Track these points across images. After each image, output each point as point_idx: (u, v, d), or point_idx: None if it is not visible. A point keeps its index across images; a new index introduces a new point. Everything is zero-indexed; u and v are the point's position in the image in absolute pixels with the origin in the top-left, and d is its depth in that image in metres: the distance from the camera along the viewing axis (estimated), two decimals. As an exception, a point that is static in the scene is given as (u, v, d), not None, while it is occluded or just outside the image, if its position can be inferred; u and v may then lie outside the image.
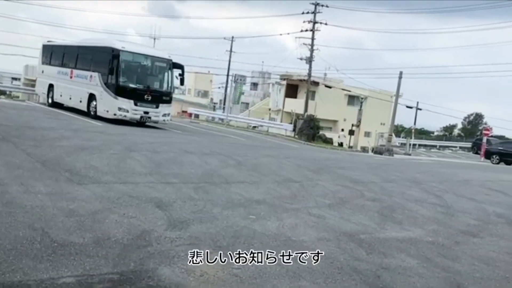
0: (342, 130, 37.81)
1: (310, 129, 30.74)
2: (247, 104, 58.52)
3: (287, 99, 45.74)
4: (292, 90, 46.74)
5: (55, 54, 24.35)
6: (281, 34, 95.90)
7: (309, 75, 39.54)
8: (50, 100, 24.13)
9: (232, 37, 53.90)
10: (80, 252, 4.24)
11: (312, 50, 38.70)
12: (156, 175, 8.64)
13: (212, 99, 66.40)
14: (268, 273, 4.39)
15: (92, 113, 19.85)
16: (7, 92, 38.84)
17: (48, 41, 26.34)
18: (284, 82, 47.39)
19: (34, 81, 29.14)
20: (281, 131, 36.05)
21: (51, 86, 24.02)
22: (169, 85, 20.54)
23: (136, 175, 8.38)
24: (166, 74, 20.45)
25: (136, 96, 18.98)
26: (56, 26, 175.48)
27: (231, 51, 53.61)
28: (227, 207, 6.80)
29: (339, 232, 6.25)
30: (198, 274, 4.15)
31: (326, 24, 38.34)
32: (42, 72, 25.49)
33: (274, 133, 35.06)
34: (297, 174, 11.63)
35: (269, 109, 50.51)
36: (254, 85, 65.84)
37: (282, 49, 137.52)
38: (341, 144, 34.51)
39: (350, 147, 33.42)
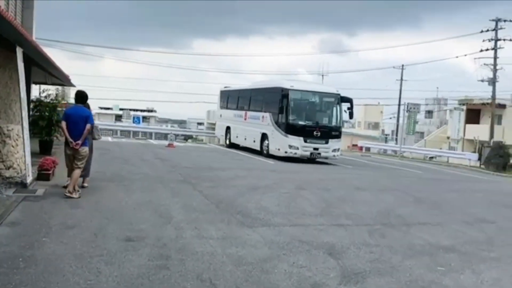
0: None
1: (499, 158, 27.09)
2: (422, 133, 55.01)
3: (468, 126, 41.60)
4: (473, 115, 42.48)
5: (231, 98, 26.06)
6: (457, 57, 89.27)
7: (493, 97, 35.35)
8: (227, 142, 25.78)
9: (402, 65, 51.69)
10: (246, 308, 3.90)
11: (495, 70, 34.68)
12: (327, 216, 8.15)
13: (383, 130, 64.22)
14: None
15: (264, 151, 20.48)
16: (193, 136, 42.94)
17: (225, 87, 28.31)
18: (464, 108, 43.37)
19: (214, 124, 31.53)
20: (463, 161, 32.63)
21: (228, 129, 25.71)
22: (338, 119, 20.16)
23: (307, 216, 7.99)
24: (334, 109, 20.18)
25: (305, 133, 19.02)
26: (233, 72, 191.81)
27: (401, 79, 51.35)
28: (409, 256, 5.92)
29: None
30: None
31: (510, 40, 34.20)
32: (220, 116, 27.49)
33: (455, 163, 31.88)
34: (491, 212, 10.01)
35: (448, 138, 46.52)
36: (429, 113, 61.87)
37: (458, 72, 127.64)
38: None
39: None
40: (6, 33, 7.32)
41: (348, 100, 20.40)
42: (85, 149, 8.49)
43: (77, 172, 8.33)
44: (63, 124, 8.39)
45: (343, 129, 21.57)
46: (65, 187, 8.52)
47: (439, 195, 12.35)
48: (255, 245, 5.88)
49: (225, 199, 9.06)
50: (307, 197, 10.09)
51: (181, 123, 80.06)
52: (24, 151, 9.22)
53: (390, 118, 59.82)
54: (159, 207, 7.84)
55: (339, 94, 20.19)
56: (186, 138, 40.08)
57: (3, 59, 9.55)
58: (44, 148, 14.28)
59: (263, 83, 23.53)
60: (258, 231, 6.61)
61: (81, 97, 8.68)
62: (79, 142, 8.29)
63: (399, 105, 49.49)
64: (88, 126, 8.35)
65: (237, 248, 5.63)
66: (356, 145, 43.19)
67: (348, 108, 20.40)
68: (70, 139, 8.26)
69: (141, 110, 71.08)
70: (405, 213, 9.10)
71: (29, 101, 12.86)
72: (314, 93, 20.18)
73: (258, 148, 21.25)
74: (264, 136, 20.69)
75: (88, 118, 8.39)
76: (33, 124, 13.42)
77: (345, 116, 20.86)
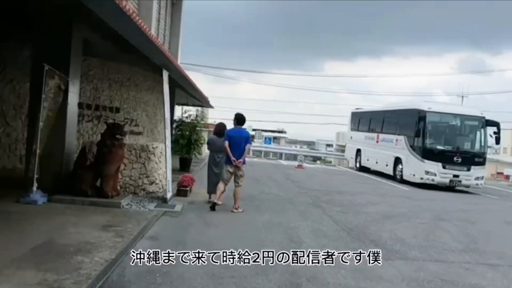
0: None
1: None
2: None
3: None
4: None
5: (362, 120, 25.40)
6: None
7: None
8: (357, 165, 25.08)
9: (559, 85, 46.02)
10: None
11: None
12: (473, 253, 7.29)
13: (534, 158, 57.39)
14: None
15: (398, 176, 19.45)
16: (322, 158, 42.67)
17: (356, 109, 27.74)
18: None
19: (344, 146, 30.98)
20: None
21: (358, 151, 25.03)
22: (482, 145, 18.42)
23: (448, 252, 7.24)
24: (478, 133, 18.50)
25: (444, 158, 17.67)
26: (364, 94, 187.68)
27: (558, 101, 45.67)
28: None
29: None
30: None
31: None
32: (351, 138, 26.90)
33: None
34: None
35: None
36: None
37: None
38: None
39: None
40: (155, 58, 7.91)
41: (495, 124, 18.61)
42: (244, 167, 9.28)
43: (238, 191, 9.16)
44: (226, 143, 9.10)
45: (487, 156, 19.64)
46: (209, 202, 9.36)
47: None
48: (391, 280, 5.42)
49: (356, 226, 8.64)
50: (448, 229, 9.21)
51: (310, 144, 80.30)
52: (166, 168, 9.85)
53: (544, 144, 53.33)
54: (289, 230, 7.73)
55: (483, 117, 18.51)
56: (315, 159, 40.00)
57: (152, 81, 10.39)
58: (183, 165, 15.20)
59: (397, 105, 22.52)
60: (394, 265, 6.11)
61: (241, 119, 9.43)
62: (241, 160, 9.00)
63: (555, 129, 43.91)
64: (248, 146, 9.10)
65: (372, 282, 5.24)
66: (501, 173, 39.16)
67: (495, 133, 18.63)
68: (233, 158, 8.96)
69: (272, 131, 72.83)
70: None
71: (172, 121, 13.83)
72: (455, 115, 18.74)
73: (390, 173, 20.28)
74: (397, 160, 19.69)
75: (248, 139, 9.17)
76: (174, 142, 14.38)
77: (491, 141, 19.04)
